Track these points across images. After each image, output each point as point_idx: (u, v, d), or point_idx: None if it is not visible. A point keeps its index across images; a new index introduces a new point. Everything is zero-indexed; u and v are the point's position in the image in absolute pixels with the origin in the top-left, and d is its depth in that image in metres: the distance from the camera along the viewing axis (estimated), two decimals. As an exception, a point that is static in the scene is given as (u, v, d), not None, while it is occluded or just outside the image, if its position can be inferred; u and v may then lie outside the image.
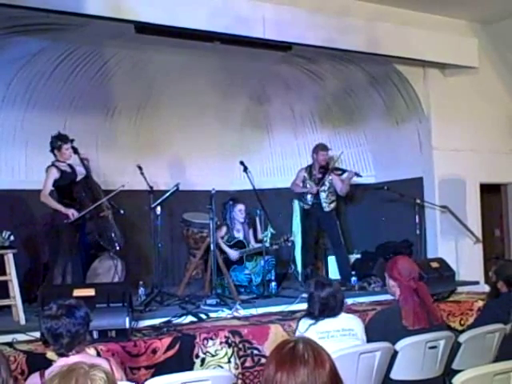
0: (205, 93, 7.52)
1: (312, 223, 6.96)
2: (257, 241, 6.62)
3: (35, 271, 6.15)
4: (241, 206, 6.52)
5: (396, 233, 7.33)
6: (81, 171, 5.74)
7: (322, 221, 6.96)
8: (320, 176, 6.89)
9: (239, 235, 6.56)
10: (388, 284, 3.75)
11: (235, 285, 5.97)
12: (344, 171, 6.98)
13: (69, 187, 5.55)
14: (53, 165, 5.51)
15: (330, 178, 6.90)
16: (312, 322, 3.41)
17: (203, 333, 4.25)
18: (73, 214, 5.38)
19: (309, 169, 7.03)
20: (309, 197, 6.88)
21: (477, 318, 4.57)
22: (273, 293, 5.97)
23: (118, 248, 5.85)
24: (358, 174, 6.93)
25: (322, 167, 6.93)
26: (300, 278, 6.80)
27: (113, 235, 5.82)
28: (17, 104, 6.51)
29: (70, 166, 5.65)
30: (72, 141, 5.61)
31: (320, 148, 6.98)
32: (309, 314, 3.50)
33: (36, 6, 4.75)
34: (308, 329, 3.39)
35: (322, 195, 6.85)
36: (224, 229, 6.53)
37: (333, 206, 6.92)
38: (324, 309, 3.41)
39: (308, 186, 6.90)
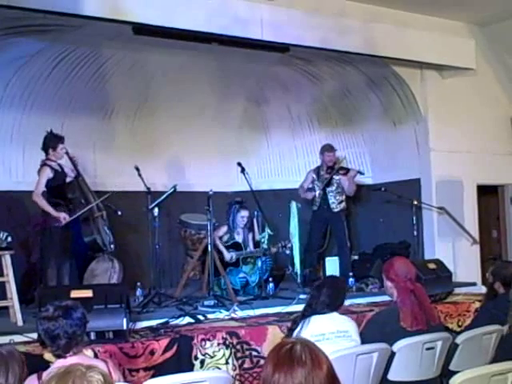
0: (203, 94, 7.52)
1: (318, 225, 6.97)
2: (255, 243, 6.61)
3: (33, 272, 6.14)
4: (244, 213, 6.50)
5: (393, 234, 7.34)
6: (69, 172, 5.73)
7: (330, 221, 6.97)
8: (327, 176, 6.92)
9: (238, 238, 6.56)
10: (385, 285, 3.76)
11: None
12: (348, 170, 7.02)
13: (60, 187, 5.53)
14: (45, 164, 5.46)
15: (338, 178, 6.92)
16: (307, 320, 3.43)
17: (200, 334, 4.25)
18: (64, 217, 5.33)
19: (317, 170, 7.06)
20: (317, 197, 6.89)
21: (474, 319, 4.57)
22: (270, 294, 5.97)
23: (112, 249, 5.85)
24: (360, 172, 7.04)
25: (329, 168, 6.95)
26: (299, 280, 6.79)
27: (107, 237, 5.83)
28: (14, 105, 6.50)
29: (60, 166, 5.63)
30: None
31: (326, 149, 7.02)
32: (307, 308, 3.52)
33: (34, 7, 4.75)
34: (303, 326, 3.41)
35: (330, 195, 6.87)
36: (223, 229, 6.51)
37: (342, 206, 6.93)
38: (328, 301, 3.47)
39: (315, 186, 6.90)
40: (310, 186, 7.02)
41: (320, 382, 1.70)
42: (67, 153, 5.65)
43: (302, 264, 6.97)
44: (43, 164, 5.47)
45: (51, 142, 5.51)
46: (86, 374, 1.74)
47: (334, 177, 6.91)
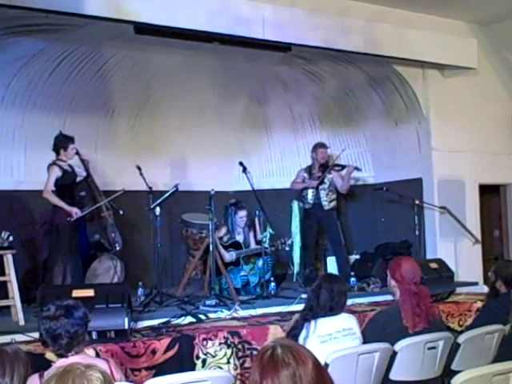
0: (204, 93, 7.52)
1: (312, 223, 6.96)
2: (256, 242, 6.61)
3: (34, 272, 6.15)
4: (242, 213, 6.51)
5: (395, 233, 7.33)
6: (80, 172, 5.76)
7: (323, 220, 6.97)
8: (320, 174, 6.91)
9: (239, 237, 6.55)
10: (389, 283, 3.75)
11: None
12: (343, 167, 7.02)
13: (69, 187, 5.57)
14: (55, 163, 5.50)
15: (331, 175, 6.92)
16: (312, 321, 3.41)
17: (202, 333, 4.25)
18: (76, 212, 5.40)
19: (308, 169, 7.06)
20: (309, 196, 6.89)
21: (476, 319, 4.57)
22: (272, 293, 5.97)
23: (117, 249, 5.86)
24: (357, 168, 7.02)
25: (322, 165, 6.95)
26: (299, 279, 6.79)
27: (113, 235, 5.84)
28: (16, 104, 6.50)
29: (70, 166, 5.67)
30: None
31: (319, 146, 7.04)
32: (308, 312, 3.49)
33: (36, 6, 4.75)
34: (309, 329, 3.39)
35: (322, 193, 6.87)
36: (223, 229, 6.52)
37: (333, 204, 6.93)
38: (329, 304, 3.42)
39: (307, 181, 6.93)
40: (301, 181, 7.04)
41: (308, 379, 1.71)
42: (78, 153, 5.68)
43: (303, 263, 6.97)
44: (53, 163, 5.52)
45: (62, 142, 5.57)
46: (85, 372, 1.74)
47: (327, 175, 6.91)
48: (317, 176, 6.93)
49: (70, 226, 5.43)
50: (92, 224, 5.89)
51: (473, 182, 7.44)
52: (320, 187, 6.88)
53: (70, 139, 5.60)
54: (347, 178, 6.95)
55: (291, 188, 7.11)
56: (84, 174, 5.80)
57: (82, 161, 5.78)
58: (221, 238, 6.42)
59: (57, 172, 5.47)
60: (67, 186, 5.55)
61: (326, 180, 6.90)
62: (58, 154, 5.57)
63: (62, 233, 5.41)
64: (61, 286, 5.07)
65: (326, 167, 6.94)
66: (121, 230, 6.13)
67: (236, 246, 6.46)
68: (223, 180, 7.62)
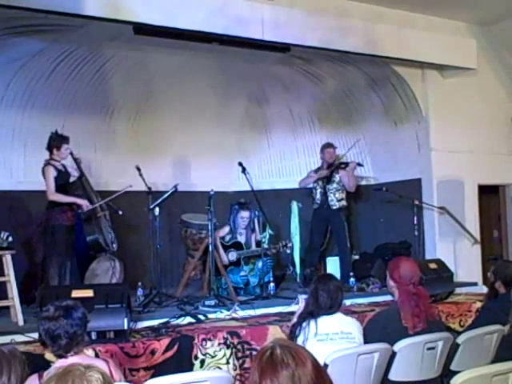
0: (203, 94, 7.52)
1: (319, 223, 6.99)
2: (256, 243, 6.60)
3: (34, 272, 6.14)
4: (244, 214, 6.49)
5: (394, 234, 7.34)
6: (73, 172, 5.74)
7: (330, 220, 6.98)
8: (328, 174, 6.94)
9: (241, 238, 6.55)
10: (388, 283, 3.77)
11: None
12: (347, 164, 7.06)
13: (63, 187, 5.54)
14: (49, 164, 5.46)
15: (338, 175, 6.94)
16: (312, 320, 3.41)
17: (201, 334, 4.25)
18: (87, 205, 5.47)
19: (318, 170, 7.10)
20: (317, 196, 6.91)
21: (475, 319, 4.57)
22: (271, 294, 5.97)
23: (115, 249, 5.86)
24: (359, 164, 7.15)
25: (330, 165, 6.98)
26: (299, 279, 6.79)
27: (110, 236, 5.83)
28: (15, 105, 6.50)
29: (64, 165, 5.63)
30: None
31: (325, 146, 7.12)
32: (307, 316, 3.49)
33: (35, 7, 4.75)
34: (308, 332, 3.39)
35: (330, 193, 6.89)
36: (226, 229, 6.51)
37: (341, 203, 6.94)
38: (329, 303, 3.44)
39: (317, 186, 6.95)
40: (311, 185, 7.05)
41: (307, 379, 1.71)
42: (71, 153, 5.67)
43: (303, 264, 6.96)
44: (46, 163, 5.47)
45: (56, 141, 5.53)
46: (85, 373, 1.74)
47: (335, 174, 6.93)
48: (324, 174, 6.94)
49: (65, 227, 5.41)
50: (89, 224, 5.87)
51: (472, 182, 7.45)
52: (328, 187, 6.91)
53: (65, 139, 5.55)
54: (351, 175, 7.00)
55: (300, 186, 7.09)
56: (76, 174, 5.79)
57: (75, 160, 5.77)
58: (222, 238, 6.42)
59: (53, 172, 5.42)
60: (62, 185, 5.52)
61: (333, 180, 6.93)
62: (51, 153, 5.53)
63: (58, 234, 5.38)
64: (60, 287, 5.06)
65: (333, 166, 6.98)
66: (120, 230, 6.13)
67: (237, 246, 6.45)
68: (223, 180, 7.62)
